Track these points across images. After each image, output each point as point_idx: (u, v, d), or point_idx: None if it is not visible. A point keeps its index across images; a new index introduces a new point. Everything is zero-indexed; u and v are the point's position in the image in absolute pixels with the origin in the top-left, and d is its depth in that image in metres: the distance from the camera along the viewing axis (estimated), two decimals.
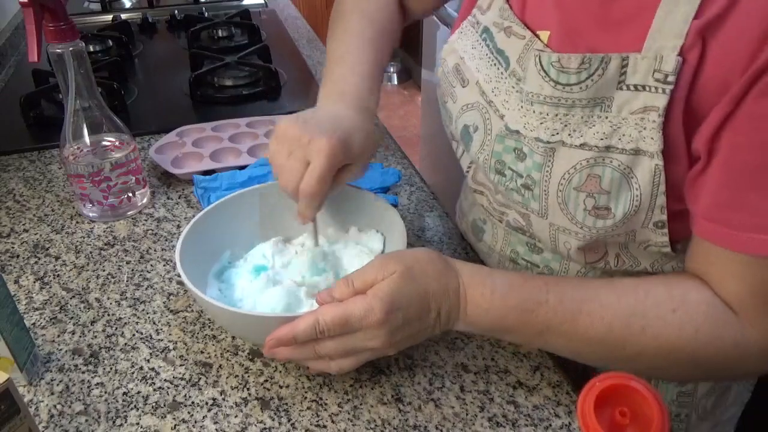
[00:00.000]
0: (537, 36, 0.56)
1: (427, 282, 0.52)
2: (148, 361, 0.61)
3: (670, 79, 0.46)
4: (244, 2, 1.76)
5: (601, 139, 0.51)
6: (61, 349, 0.62)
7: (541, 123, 0.54)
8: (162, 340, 0.63)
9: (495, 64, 0.60)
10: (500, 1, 0.61)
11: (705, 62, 0.45)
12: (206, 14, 1.60)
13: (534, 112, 0.54)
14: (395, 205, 0.83)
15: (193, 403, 0.56)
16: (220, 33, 1.46)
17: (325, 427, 0.54)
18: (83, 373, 0.59)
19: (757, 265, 0.48)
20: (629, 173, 0.51)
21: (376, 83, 0.68)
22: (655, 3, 0.47)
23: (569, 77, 0.51)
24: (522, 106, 0.56)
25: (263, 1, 1.79)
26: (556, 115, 0.53)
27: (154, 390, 0.57)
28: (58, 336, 0.64)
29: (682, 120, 0.48)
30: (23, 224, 0.81)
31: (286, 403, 0.56)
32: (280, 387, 0.58)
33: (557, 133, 0.53)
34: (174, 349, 0.62)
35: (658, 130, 0.48)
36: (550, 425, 0.54)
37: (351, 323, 0.49)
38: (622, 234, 0.55)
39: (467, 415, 0.55)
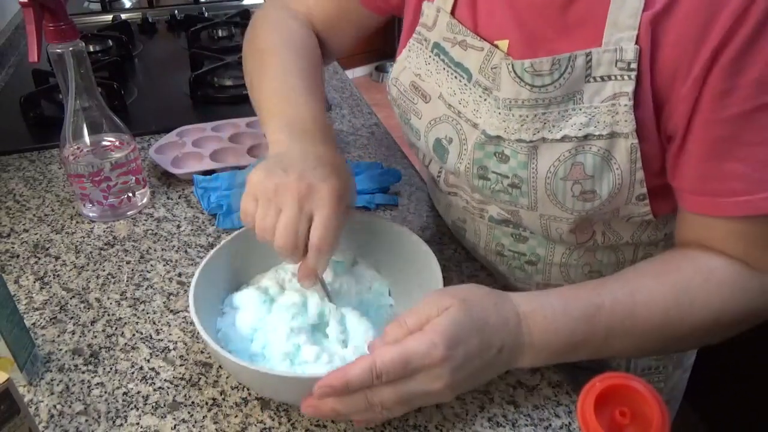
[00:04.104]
0: (496, 46, 0.58)
1: (485, 315, 0.50)
2: (148, 361, 0.61)
3: (633, 66, 0.51)
4: (244, 2, 1.76)
5: (579, 130, 0.54)
6: (61, 349, 0.62)
7: (522, 125, 0.56)
8: (162, 340, 0.63)
9: (456, 77, 0.62)
10: (446, 16, 0.62)
11: (659, 49, 0.50)
12: (206, 14, 1.60)
13: (513, 116, 0.56)
14: (395, 205, 0.84)
15: (193, 403, 0.56)
16: (220, 33, 1.46)
17: (325, 426, 0.54)
18: (83, 373, 0.59)
19: (751, 222, 0.53)
20: (609, 156, 0.54)
21: (325, 116, 0.65)
22: (605, 3, 0.51)
23: (543, 79, 0.54)
24: (500, 113, 0.57)
25: (263, 1, 1.78)
26: (536, 115, 0.55)
27: (154, 390, 0.57)
28: (58, 336, 0.64)
29: (652, 103, 0.52)
30: (23, 224, 0.81)
31: (286, 403, 0.56)
32: None
33: (538, 132, 0.56)
34: (174, 349, 0.62)
35: (630, 112, 0.52)
36: (550, 425, 0.54)
37: (412, 363, 0.46)
38: (608, 212, 0.58)
39: (467, 415, 0.55)
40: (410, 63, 0.67)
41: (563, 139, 0.55)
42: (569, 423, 0.54)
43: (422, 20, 0.66)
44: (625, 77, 0.51)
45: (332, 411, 0.47)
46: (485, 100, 0.59)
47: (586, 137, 0.54)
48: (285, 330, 0.56)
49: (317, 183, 0.53)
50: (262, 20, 0.79)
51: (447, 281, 0.58)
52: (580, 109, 0.54)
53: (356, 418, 0.50)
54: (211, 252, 0.61)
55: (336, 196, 0.53)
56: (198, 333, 0.63)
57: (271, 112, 0.64)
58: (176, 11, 1.59)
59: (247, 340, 0.58)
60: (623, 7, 0.50)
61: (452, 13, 0.62)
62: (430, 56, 0.64)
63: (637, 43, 0.50)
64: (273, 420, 0.54)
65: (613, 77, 0.52)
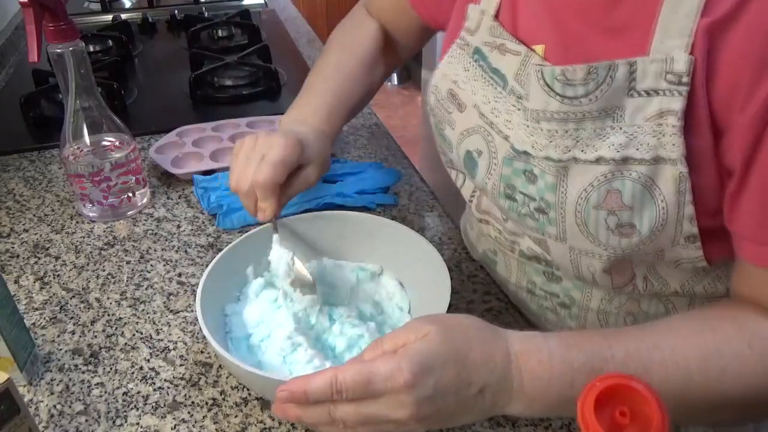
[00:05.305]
0: (533, 50, 0.54)
1: (467, 348, 0.45)
2: (148, 361, 0.61)
3: (685, 80, 0.44)
4: (244, 2, 1.76)
5: (617, 151, 0.47)
6: (61, 349, 0.62)
7: (551, 141, 0.51)
8: (162, 340, 0.63)
9: (491, 84, 0.57)
10: (489, 19, 0.58)
11: (717, 63, 0.43)
12: (206, 14, 1.60)
13: (541, 130, 0.51)
14: (395, 205, 0.83)
15: (193, 403, 0.56)
16: (220, 33, 1.46)
17: None
18: (83, 373, 0.59)
19: None
20: (651, 184, 0.47)
21: (339, 110, 0.73)
22: (657, 4, 0.45)
23: (576, 89, 0.48)
24: (528, 125, 0.52)
25: (263, 1, 1.79)
26: (566, 131, 0.50)
27: (154, 390, 0.57)
28: (58, 336, 0.64)
29: (710, 127, 0.45)
30: (23, 224, 0.81)
31: None
32: None
33: (569, 150, 0.50)
34: (174, 349, 0.62)
35: (679, 135, 0.45)
36: (550, 425, 0.54)
37: (374, 384, 0.42)
38: (651, 253, 0.51)
39: None
40: (450, 69, 0.63)
41: (598, 161, 0.48)
42: (569, 423, 0.54)
43: (466, 24, 0.62)
44: (674, 92, 0.44)
45: (297, 418, 0.45)
46: (518, 110, 0.54)
47: (625, 160, 0.47)
48: (290, 327, 0.56)
49: (271, 136, 0.61)
50: (348, 17, 0.87)
51: None
52: (620, 128, 0.47)
53: None
54: (242, 236, 0.64)
55: (282, 144, 0.60)
56: (197, 333, 0.64)
57: (294, 103, 0.74)
58: (176, 11, 1.59)
59: (250, 329, 0.59)
60: (677, 11, 0.44)
61: (496, 16, 0.58)
62: (469, 62, 0.60)
63: (691, 53, 0.43)
64: (273, 420, 0.54)
65: (660, 92, 0.45)
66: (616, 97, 0.47)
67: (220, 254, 0.61)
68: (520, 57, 0.54)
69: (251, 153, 0.61)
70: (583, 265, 0.54)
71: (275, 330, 0.57)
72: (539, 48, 0.53)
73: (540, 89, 0.50)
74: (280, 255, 0.62)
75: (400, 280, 0.67)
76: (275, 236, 0.63)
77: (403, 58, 0.87)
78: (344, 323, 0.58)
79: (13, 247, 0.77)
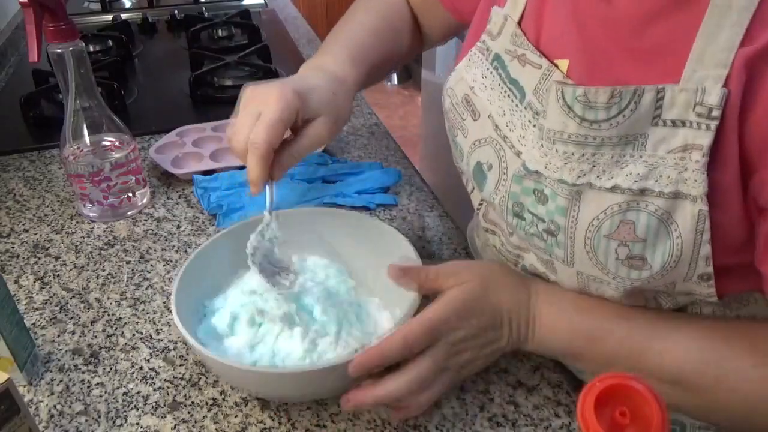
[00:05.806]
0: (555, 65, 0.51)
1: (502, 293, 0.52)
2: (148, 361, 0.61)
3: (715, 113, 0.41)
4: (244, 2, 1.76)
5: (635, 181, 0.45)
6: (61, 349, 0.62)
7: (566, 163, 0.48)
8: (162, 340, 0.63)
9: (508, 96, 0.55)
10: (512, 26, 0.56)
11: (755, 98, 0.40)
12: (206, 14, 1.60)
13: (557, 151, 0.49)
14: (395, 205, 0.83)
15: (193, 403, 0.56)
16: (220, 33, 1.46)
17: (325, 427, 0.54)
18: (83, 373, 0.59)
19: None
20: (668, 219, 0.45)
21: (362, 60, 0.70)
22: (694, 30, 0.42)
23: (597, 113, 0.45)
24: (542, 145, 0.50)
25: (263, 1, 1.79)
26: (583, 154, 0.47)
27: (154, 390, 0.57)
28: (58, 336, 0.64)
29: (739, 165, 0.42)
30: (23, 224, 0.81)
31: (286, 403, 0.56)
32: None
33: (584, 175, 0.47)
34: (174, 349, 0.62)
35: (702, 171, 0.42)
36: (550, 425, 0.54)
37: (439, 329, 0.49)
38: (661, 285, 0.49)
39: (467, 415, 0.55)
40: (468, 74, 0.61)
41: (613, 189, 0.46)
42: (569, 423, 0.54)
43: (489, 27, 0.59)
44: (702, 126, 0.42)
45: (374, 399, 0.49)
46: (534, 126, 0.52)
47: (642, 191, 0.45)
48: (298, 341, 0.55)
49: (268, 89, 0.57)
50: None
51: None
52: (640, 157, 0.45)
53: (406, 404, 0.51)
54: (189, 258, 0.59)
55: (278, 99, 0.56)
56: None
57: (314, 54, 0.73)
58: (176, 11, 1.59)
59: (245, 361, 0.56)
60: (715, 39, 0.41)
61: (519, 23, 0.56)
62: (488, 68, 0.58)
63: (725, 86, 0.41)
64: (273, 420, 0.54)
65: (687, 123, 0.42)
66: (640, 124, 0.45)
67: (176, 282, 0.57)
68: (541, 71, 0.52)
69: (249, 106, 0.58)
70: (591, 290, 0.53)
71: (277, 348, 0.55)
72: (562, 63, 0.51)
73: (559, 109, 0.48)
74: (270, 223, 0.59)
75: (328, 256, 0.66)
76: (268, 202, 0.59)
77: (424, 47, 0.86)
78: (324, 307, 0.57)
79: (13, 247, 0.77)
